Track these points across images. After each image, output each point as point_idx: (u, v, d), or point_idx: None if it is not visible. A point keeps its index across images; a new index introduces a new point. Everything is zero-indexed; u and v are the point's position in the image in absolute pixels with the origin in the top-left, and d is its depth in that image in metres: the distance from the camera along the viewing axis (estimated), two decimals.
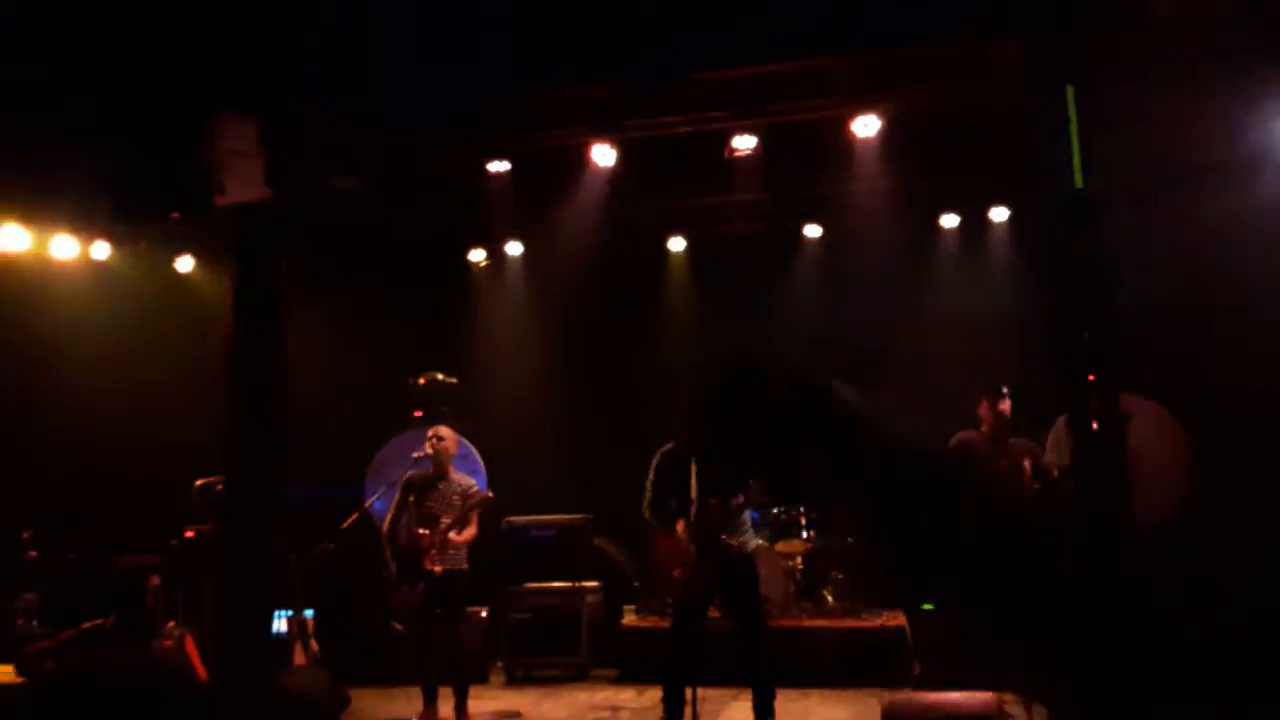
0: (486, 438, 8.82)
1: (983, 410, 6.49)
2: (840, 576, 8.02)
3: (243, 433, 5.67)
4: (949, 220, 8.88)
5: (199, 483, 6.67)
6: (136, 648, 5.24)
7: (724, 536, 5.68)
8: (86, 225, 8.34)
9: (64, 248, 8.45)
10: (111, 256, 8.74)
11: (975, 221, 8.83)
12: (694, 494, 5.61)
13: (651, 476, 5.97)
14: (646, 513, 5.95)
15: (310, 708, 5.85)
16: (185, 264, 9.22)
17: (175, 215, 6.94)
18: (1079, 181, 5.30)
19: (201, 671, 5.17)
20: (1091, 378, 5.24)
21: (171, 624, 5.98)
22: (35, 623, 7.25)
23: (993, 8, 5.71)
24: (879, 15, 5.89)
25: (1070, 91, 5.39)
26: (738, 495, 5.75)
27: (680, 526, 5.71)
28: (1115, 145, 5.75)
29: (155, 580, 5.14)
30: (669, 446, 5.98)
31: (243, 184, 5.68)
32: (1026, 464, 6.27)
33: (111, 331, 8.67)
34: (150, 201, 6.49)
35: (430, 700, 6.36)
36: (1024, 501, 6.17)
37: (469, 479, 6.75)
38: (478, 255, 9.66)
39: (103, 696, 4.80)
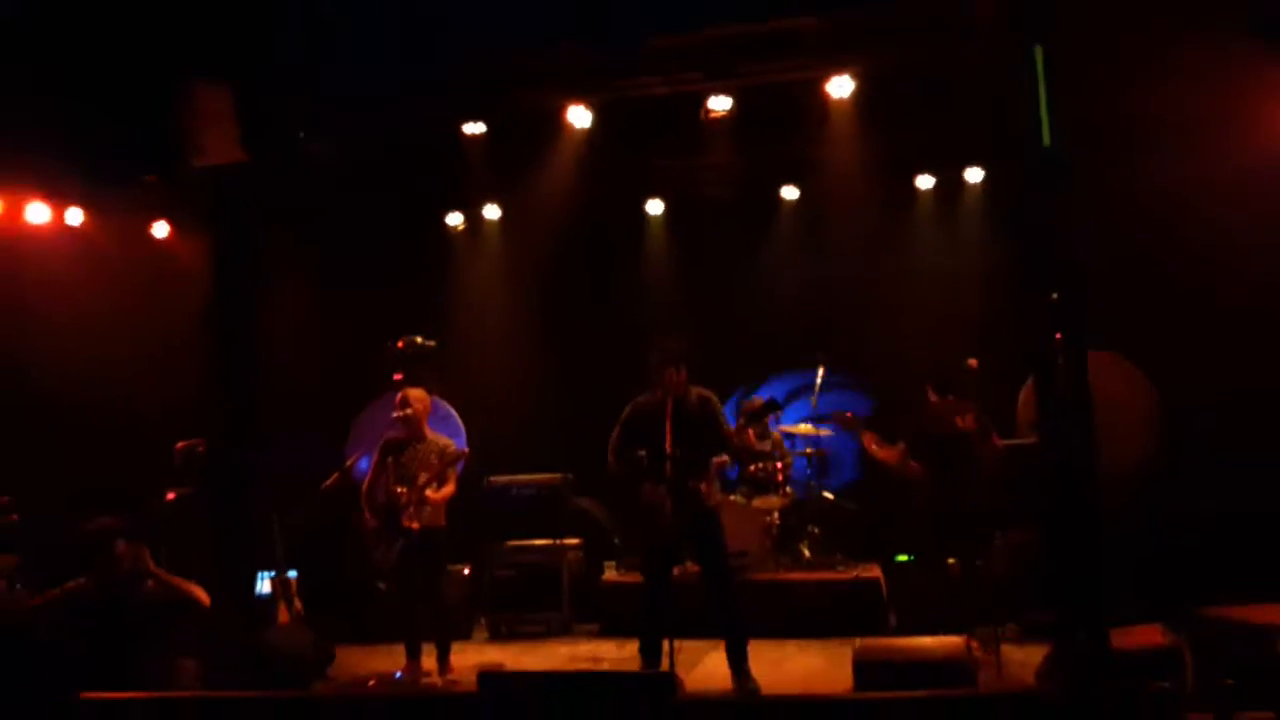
0: (467, 398, 8.90)
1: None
2: (816, 531, 8.17)
3: (222, 396, 5.74)
4: (925, 181, 8.95)
5: (180, 445, 6.71)
6: (115, 610, 5.31)
7: (697, 485, 5.78)
8: (60, 190, 8.31)
9: (37, 214, 8.43)
10: (85, 222, 8.71)
11: (951, 182, 8.90)
12: (669, 446, 5.70)
13: (619, 425, 6.06)
14: (610, 458, 6.04)
15: (295, 664, 5.95)
16: (161, 229, 9.20)
17: (150, 179, 6.92)
18: (1046, 141, 5.37)
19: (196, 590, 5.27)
20: (1059, 336, 5.35)
21: (151, 583, 6.03)
22: (17, 585, 7.31)
23: None
24: None
25: (1039, 51, 5.45)
26: (710, 445, 5.86)
27: (648, 486, 5.81)
28: (1084, 104, 5.83)
29: (122, 544, 5.19)
30: (642, 398, 6.07)
31: (217, 148, 5.69)
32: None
33: (88, 297, 8.67)
34: (124, 166, 6.47)
35: (414, 655, 6.46)
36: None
37: (446, 438, 6.83)
38: (455, 219, 9.68)
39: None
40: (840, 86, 7.07)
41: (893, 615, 7.35)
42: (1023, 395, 7.63)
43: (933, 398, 7.05)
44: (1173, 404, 7.63)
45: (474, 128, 7.72)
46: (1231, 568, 5.93)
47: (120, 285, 8.81)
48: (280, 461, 6.64)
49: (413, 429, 6.60)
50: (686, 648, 6.01)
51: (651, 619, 5.86)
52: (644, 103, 7.10)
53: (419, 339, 8.57)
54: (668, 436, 5.70)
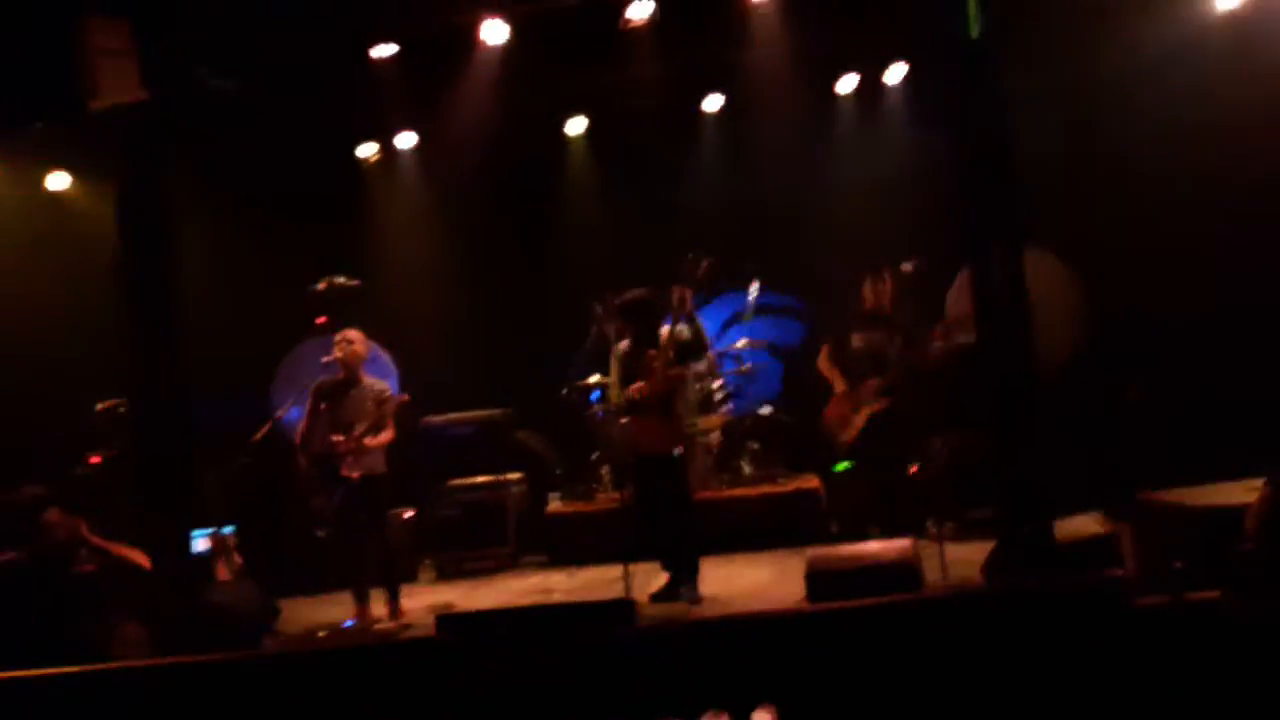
0: (393, 337, 8.64)
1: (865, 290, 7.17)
2: (755, 446, 8.20)
3: (144, 354, 5.48)
4: (849, 81, 8.77)
5: (100, 407, 6.43)
6: (53, 581, 5.12)
7: None
8: None
9: None
10: None
11: (875, 80, 8.74)
12: None
13: (613, 374, 6.46)
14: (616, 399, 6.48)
15: (243, 621, 5.81)
16: (57, 180, 8.66)
17: (44, 126, 6.45)
18: (974, 31, 5.27)
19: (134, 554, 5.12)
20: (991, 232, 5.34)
21: (84, 551, 5.81)
22: None
23: None
24: None
25: None
26: None
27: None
28: None
29: (55, 512, 4.98)
30: (621, 345, 6.43)
31: (116, 87, 5.33)
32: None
33: None
34: (15, 111, 6.01)
35: (362, 601, 6.36)
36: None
37: (382, 382, 6.66)
38: (368, 149, 9.29)
39: None
40: None
41: (834, 523, 7.44)
42: (951, 292, 7.67)
43: (857, 341, 7.19)
44: (1101, 297, 7.72)
45: (383, 50, 7.36)
46: (1165, 454, 6.09)
47: (19, 240, 8.30)
48: (205, 415, 6.38)
49: (350, 370, 6.41)
50: (640, 571, 6.04)
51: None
52: (561, 14, 6.84)
53: (341, 279, 8.25)
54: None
